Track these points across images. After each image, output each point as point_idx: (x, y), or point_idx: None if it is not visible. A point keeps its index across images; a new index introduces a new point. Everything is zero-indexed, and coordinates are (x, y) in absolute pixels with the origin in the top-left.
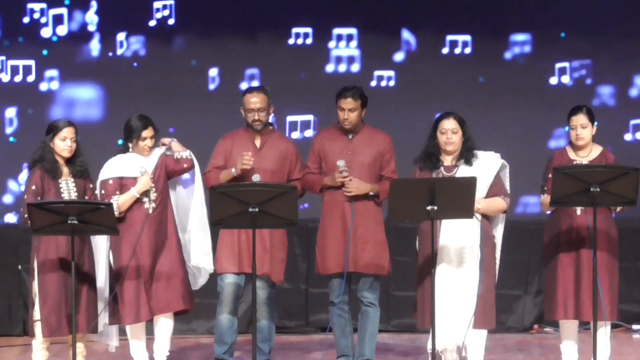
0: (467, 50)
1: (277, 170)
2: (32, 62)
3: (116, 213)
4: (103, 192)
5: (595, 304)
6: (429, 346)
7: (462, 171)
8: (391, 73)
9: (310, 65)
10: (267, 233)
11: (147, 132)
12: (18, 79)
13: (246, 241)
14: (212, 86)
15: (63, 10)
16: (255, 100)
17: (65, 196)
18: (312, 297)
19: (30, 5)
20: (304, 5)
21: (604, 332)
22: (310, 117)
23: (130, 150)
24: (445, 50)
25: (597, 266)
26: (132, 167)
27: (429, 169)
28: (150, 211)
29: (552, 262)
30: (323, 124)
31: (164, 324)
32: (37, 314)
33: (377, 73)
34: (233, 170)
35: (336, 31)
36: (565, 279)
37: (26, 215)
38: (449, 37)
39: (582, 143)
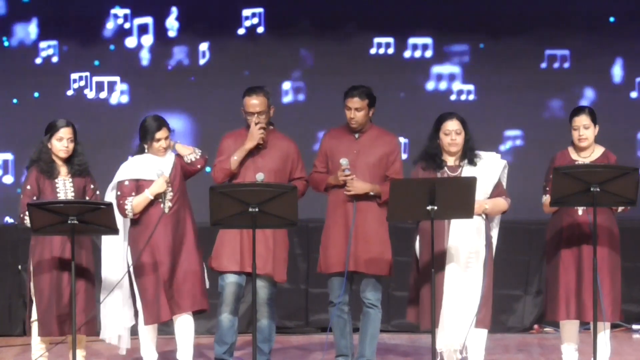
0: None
1: (279, 169)
2: (116, 78)
3: (130, 215)
4: (119, 193)
5: (595, 304)
6: (439, 347)
7: (467, 171)
8: (471, 87)
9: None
10: (270, 232)
11: (161, 133)
12: (103, 95)
13: (248, 240)
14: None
15: (148, 20)
16: (255, 103)
17: (62, 196)
18: (312, 297)
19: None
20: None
21: (604, 332)
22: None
23: (146, 151)
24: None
25: (597, 266)
26: (148, 168)
27: (432, 169)
28: (167, 210)
29: (553, 262)
30: (414, 145)
31: (185, 324)
32: (34, 313)
33: (456, 87)
34: (246, 147)
35: (412, 41)
36: (567, 279)
37: (22, 215)
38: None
39: (585, 144)
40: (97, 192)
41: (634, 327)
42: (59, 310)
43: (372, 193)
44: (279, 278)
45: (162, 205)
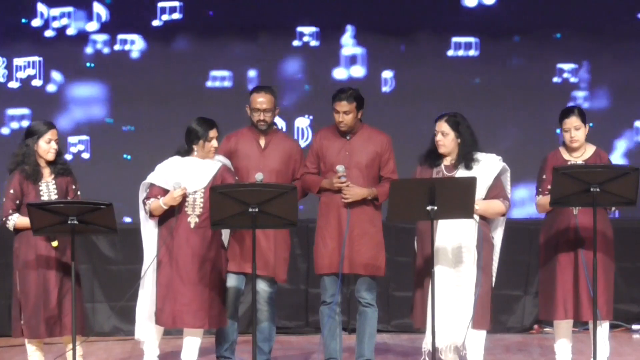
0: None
1: (281, 170)
2: None
3: (147, 214)
4: (147, 191)
5: (595, 305)
6: (424, 346)
7: (462, 174)
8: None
9: None
10: (271, 233)
11: (214, 132)
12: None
13: (249, 241)
14: None
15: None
16: (262, 100)
17: (45, 198)
18: (312, 297)
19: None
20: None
21: (602, 331)
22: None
23: (195, 153)
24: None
25: (597, 266)
26: (184, 176)
27: (428, 165)
28: (192, 226)
29: (549, 262)
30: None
31: (194, 334)
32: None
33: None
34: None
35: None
36: (564, 279)
37: (4, 219)
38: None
39: (577, 145)
40: (79, 193)
41: (634, 327)
42: (47, 312)
43: (369, 197)
44: (279, 278)
45: (189, 220)
